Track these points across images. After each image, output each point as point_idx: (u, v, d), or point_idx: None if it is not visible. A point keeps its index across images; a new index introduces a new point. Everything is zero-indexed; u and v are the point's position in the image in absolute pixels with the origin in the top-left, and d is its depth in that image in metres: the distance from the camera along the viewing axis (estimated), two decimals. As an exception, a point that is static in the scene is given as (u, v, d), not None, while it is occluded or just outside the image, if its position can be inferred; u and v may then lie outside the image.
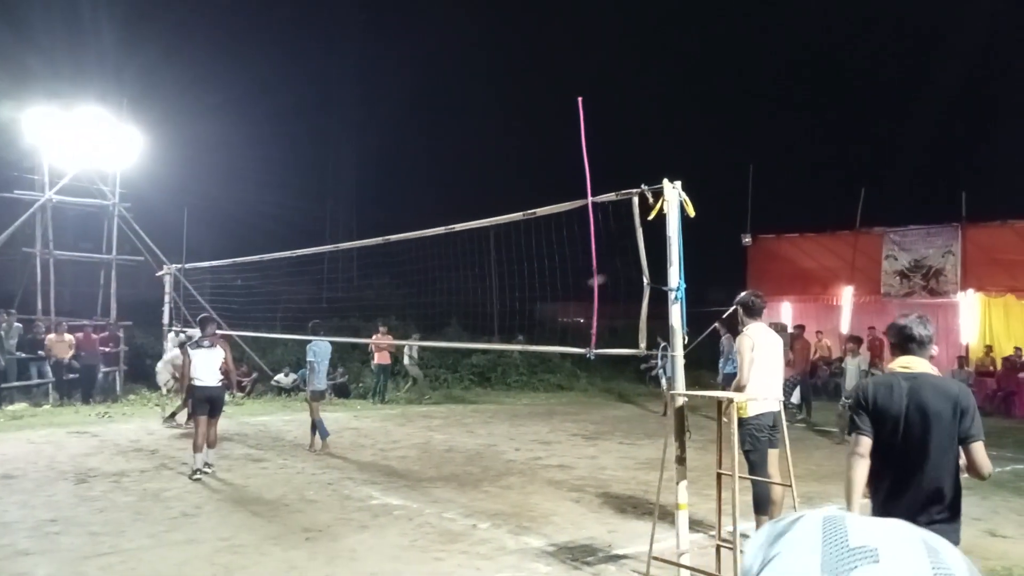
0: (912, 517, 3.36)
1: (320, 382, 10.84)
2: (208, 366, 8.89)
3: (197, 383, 8.92)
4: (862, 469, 3.67)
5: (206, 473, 8.70)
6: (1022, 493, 8.47)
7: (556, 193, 6.51)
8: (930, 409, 3.55)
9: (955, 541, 3.53)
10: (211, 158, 27.00)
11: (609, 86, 29.79)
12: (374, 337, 16.09)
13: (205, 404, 8.91)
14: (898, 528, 0.92)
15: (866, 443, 3.67)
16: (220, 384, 8.96)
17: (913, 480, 3.60)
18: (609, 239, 5.88)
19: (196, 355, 8.97)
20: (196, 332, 15.91)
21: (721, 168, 25.28)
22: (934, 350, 3.89)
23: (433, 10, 35.25)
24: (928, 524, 3.41)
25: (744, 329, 6.40)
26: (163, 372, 14.34)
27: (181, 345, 9.55)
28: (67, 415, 13.76)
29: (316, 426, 10.68)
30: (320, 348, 10.82)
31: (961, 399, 3.58)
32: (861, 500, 3.69)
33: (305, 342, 11.15)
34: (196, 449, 8.79)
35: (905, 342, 3.77)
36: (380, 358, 16.77)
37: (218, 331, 13.86)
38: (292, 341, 11.33)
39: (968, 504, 4.02)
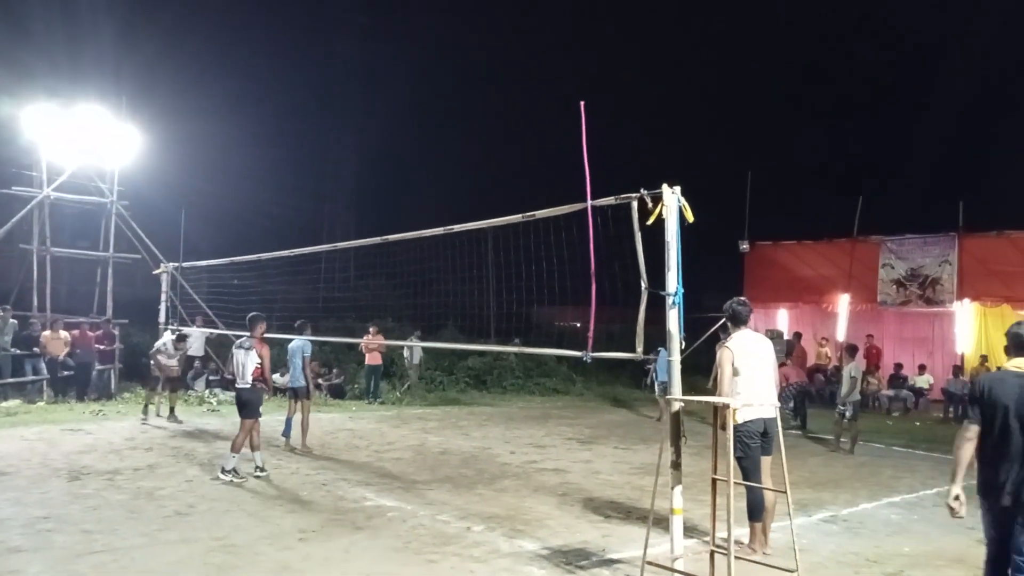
0: (1009, 505, 3.94)
1: (291, 380, 10.86)
2: (242, 367, 8.97)
3: (235, 383, 9.13)
4: (968, 451, 4.22)
5: (229, 479, 8.55)
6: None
7: (555, 196, 6.51)
8: None
9: None
10: (209, 157, 27.03)
11: (610, 91, 29.91)
12: (365, 338, 16.07)
13: (239, 405, 9.05)
14: None
15: (974, 429, 4.22)
16: (251, 386, 8.95)
17: (1014, 468, 4.03)
18: (608, 243, 5.88)
19: (235, 355, 9.14)
20: (192, 330, 15.89)
21: (720, 175, 25.35)
22: None
23: (433, 13, 35.36)
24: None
25: (726, 340, 6.36)
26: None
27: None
28: (61, 412, 13.72)
29: (286, 423, 10.80)
30: (292, 346, 10.87)
31: None
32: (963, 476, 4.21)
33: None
34: (234, 448, 8.92)
35: (1019, 345, 4.26)
36: (371, 359, 16.76)
37: (207, 329, 13.75)
38: (287, 341, 11.39)
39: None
